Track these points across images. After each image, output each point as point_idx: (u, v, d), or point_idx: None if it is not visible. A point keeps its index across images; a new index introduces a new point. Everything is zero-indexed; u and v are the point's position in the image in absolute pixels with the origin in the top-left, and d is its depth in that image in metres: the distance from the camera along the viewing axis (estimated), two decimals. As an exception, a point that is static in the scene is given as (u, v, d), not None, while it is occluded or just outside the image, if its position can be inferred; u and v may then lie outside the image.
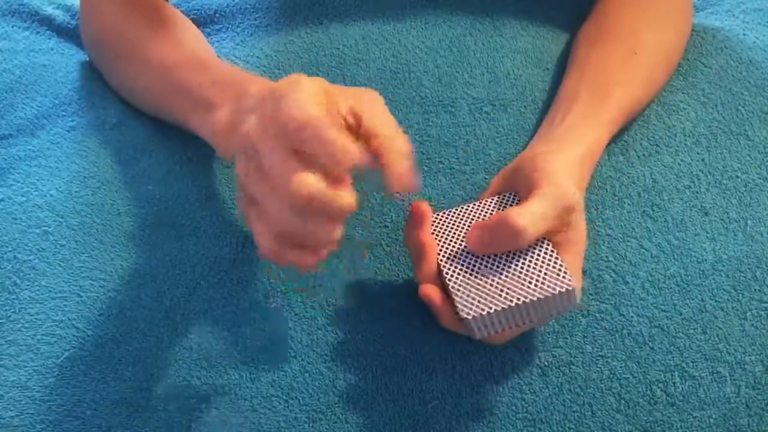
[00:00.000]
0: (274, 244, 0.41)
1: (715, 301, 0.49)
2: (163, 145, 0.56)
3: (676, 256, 0.50)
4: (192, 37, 0.58)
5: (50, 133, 0.58)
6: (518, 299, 0.41)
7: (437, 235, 0.47)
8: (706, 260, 0.50)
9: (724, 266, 0.50)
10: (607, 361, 0.47)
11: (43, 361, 0.48)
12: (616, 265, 0.50)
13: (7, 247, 0.52)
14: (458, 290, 0.43)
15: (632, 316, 0.48)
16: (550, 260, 0.43)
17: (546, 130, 0.52)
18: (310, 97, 0.38)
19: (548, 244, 0.44)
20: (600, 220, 0.52)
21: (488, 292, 0.42)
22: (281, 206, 0.39)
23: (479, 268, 0.44)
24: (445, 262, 0.45)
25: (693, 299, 0.49)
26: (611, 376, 0.47)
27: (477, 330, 0.42)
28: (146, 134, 0.57)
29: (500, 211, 0.46)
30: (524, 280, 0.42)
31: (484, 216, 0.47)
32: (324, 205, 0.38)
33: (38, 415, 0.46)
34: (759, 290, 0.49)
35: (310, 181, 0.38)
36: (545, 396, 0.47)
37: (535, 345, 0.48)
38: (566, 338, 0.48)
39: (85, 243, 0.52)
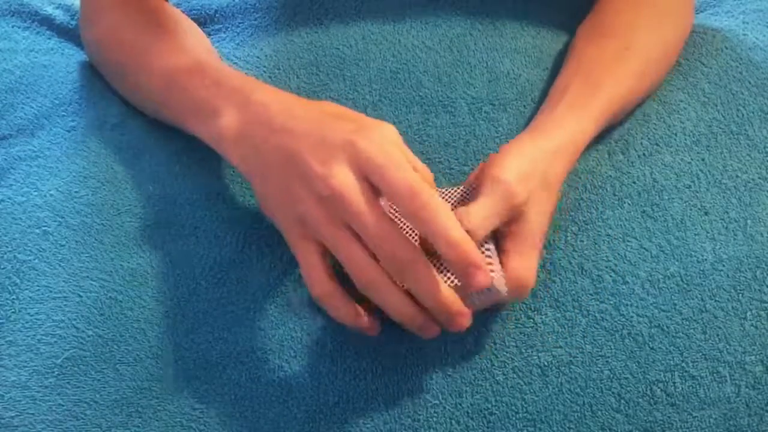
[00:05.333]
0: (329, 286, 0.43)
1: (715, 301, 0.49)
2: (163, 145, 0.56)
3: (676, 256, 0.50)
4: (194, 39, 0.58)
5: (50, 133, 0.58)
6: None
7: (393, 213, 0.48)
8: (706, 260, 0.50)
9: (724, 266, 0.50)
10: (607, 361, 0.47)
11: (43, 361, 0.48)
12: (616, 265, 0.50)
13: (7, 247, 0.52)
14: None
15: (632, 316, 0.48)
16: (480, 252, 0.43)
17: (532, 123, 0.52)
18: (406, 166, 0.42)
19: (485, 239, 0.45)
20: (600, 219, 0.52)
21: None
22: (364, 256, 0.42)
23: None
24: None
25: (693, 299, 0.49)
26: (611, 376, 0.47)
27: None
28: (146, 134, 0.57)
29: (459, 205, 0.47)
30: (448, 268, 0.43)
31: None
32: (413, 271, 0.41)
33: (38, 415, 0.46)
34: (759, 290, 0.49)
35: (405, 247, 0.41)
36: (545, 396, 0.47)
37: (535, 345, 0.48)
38: (566, 338, 0.48)
39: (85, 243, 0.52)
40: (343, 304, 0.43)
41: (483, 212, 0.44)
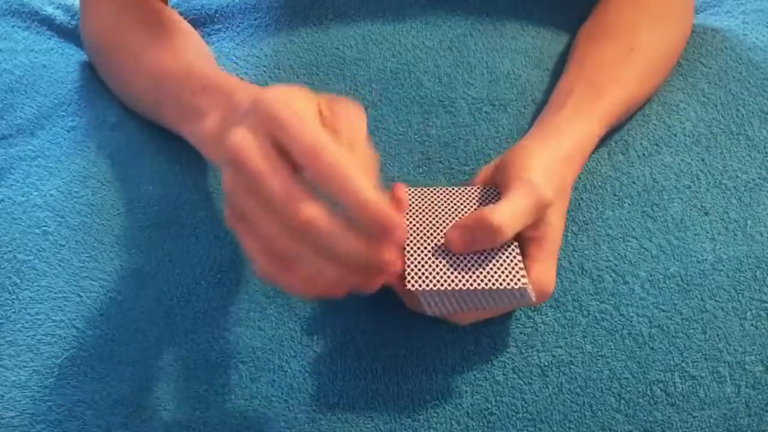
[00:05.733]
0: (269, 263, 0.39)
1: (715, 301, 0.49)
2: (163, 145, 0.56)
3: (676, 256, 0.50)
4: (190, 44, 0.58)
5: (50, 133, 0.58)
6: (466, 285, 0.42)
7: (409, 211, 0.48)
8: (706, 260, 0.50)
9: (724, 266, 0.50)
10: (607, 361, 0.47)
11: (43, 361, 0.48)
12: (616, 265, 0.50)
13: (7, 247, 0.52)
14: (412, 263, 0.44)
15: (632, 316, 0.48)
16: (509, 255, 0.43)
17: (539, 125, 0.52)
18: (296, 96, 0.38)
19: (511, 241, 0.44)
20: (600, 220, 0.52)
21: (440, 272, 0.43)
22: (276, 225, 0.37)
23: (440, 250, 0.44)
24: (410, 237, 0.45)
25: (693, 299, 0.49)
26: (611, 376, 0.47)
27: (425, 304, 0.43)
28: (146, 134, 0.57)
29: (480, 204, 0.47)
30: (479, 269, 0.43)
31: (463, 205, 0.48)
32: (326, 237, 0.36)
33: (38, 415, 0.46)
34: (759, 290, 0.49)
35: (311, 210, 0.36)
36: (545, 396, 0.47)
37: (535, 345, 0.48)
38: (566, 338, 0.48)
39: (85, 243, 0.52)
40: (292, 277, 0.39)
41: (512, 209, 0.43)
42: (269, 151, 0.37)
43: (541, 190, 0.44)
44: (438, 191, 0.49)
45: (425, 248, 0.45)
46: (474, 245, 0.43)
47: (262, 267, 0.39)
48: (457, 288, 0.42)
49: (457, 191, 0.49)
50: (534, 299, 0.43)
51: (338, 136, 0.38)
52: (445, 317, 0.45)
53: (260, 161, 0.36)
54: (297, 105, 0.37)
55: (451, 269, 0.43)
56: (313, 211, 0.36)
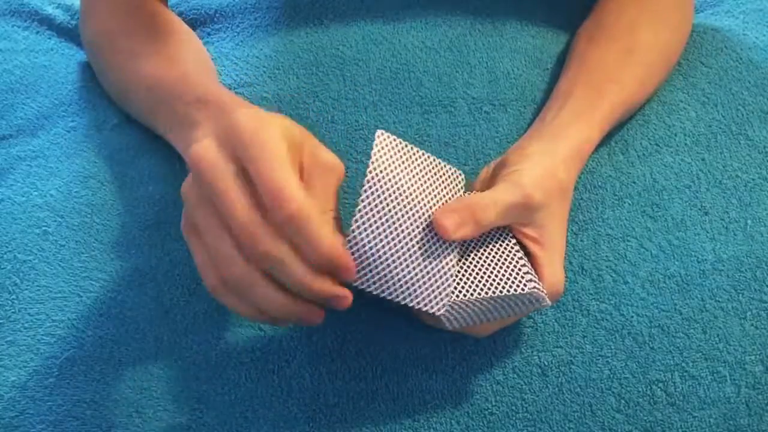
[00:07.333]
0: (217, 282, 0.38)
1: (715, 301, 0.49)
2: (163, 145, 0.56)
3: (676, 256, 0.50)
4: (188, 52, 0.57)
5: (50, 133, 0.58)
6: (482, 293, 0.42)
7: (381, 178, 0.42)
8: (706, 260, 0.50)
9: (724, 266, 0.50)
10: (607, 361, 0.47)
11: (43, 361, 0.48)
12: (616, 264, 0.50)
13: (7, 247, 0.52)
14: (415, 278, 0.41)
15: (632, 316, 0.48)
16: (517, 261, 0.43)
17: (538, 126, 0.52)
18: (278, 143, 0.36)
19: (512, 242, 0.44)
20: (600, 219, 0.52)
21: (445, 282, 0.41)
22: (229, 246, 0.37)
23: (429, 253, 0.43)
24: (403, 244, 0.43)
25: (693, 299, 0.49)
26: (611, 376, 0.47)
27: (445, 320, 0.42)
28: (146, 134, 0.57)
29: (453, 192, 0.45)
30: (490, 276, 0.43)
31: (440, 195, 0.45)
32: (280, 266, 0.36)
33: (38, 415, 0.46)
34: (759, 290, 0.49)
35: (271, 242, 0.35)
36: (545, 396, 0.47)
37: (535, 345, 0.48)
38: (566, 338, 0.48)
39: (85, 243, 0.52)
40: (236, 301, 0.39)
41: (495, 197, 0.43)
42: (231, 166, 0.36)
43: (527, 191, 0.44)
44: (415, 162, 0.44)
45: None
46: (460, 229, 0.41)
47: (210, 284, 0.39)
48: (473, 297, 0.42)
49: (434, 169, 0.45)
50: (549, 302, 0.43)
51: (310, 188, 0.38)
52: (464, 330, 0.45)
53: (222, 178, 0.36)
54: (270, 138, 0.36)
55: (462, 279, 0.42)
56: (271, 244, 0.36)
